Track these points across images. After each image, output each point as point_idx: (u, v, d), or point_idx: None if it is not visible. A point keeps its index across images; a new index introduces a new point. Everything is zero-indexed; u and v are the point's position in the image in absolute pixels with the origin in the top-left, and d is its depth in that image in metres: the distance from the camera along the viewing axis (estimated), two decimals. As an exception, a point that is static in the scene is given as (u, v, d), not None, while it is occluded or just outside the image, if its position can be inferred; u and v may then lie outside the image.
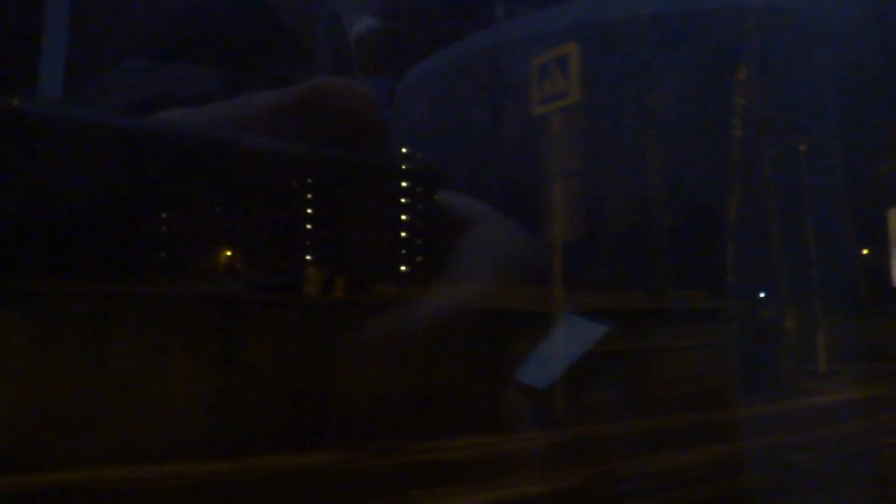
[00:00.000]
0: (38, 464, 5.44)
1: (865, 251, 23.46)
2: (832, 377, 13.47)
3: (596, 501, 5.49)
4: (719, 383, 9.54)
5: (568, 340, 7.76)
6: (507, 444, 7.00)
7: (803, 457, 6.64)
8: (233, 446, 6.30)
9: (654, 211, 11.27)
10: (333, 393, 6.84)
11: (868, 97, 17.24)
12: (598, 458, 6.59)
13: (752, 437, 7.50)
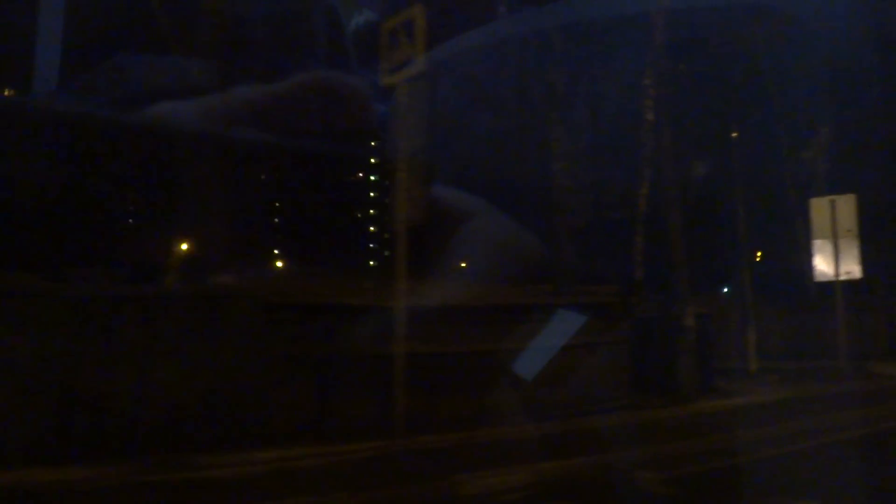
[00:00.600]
0: None
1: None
2: (761, 376, 12.36)
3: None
4: (607, 386, 8.46)
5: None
6: (314, 457, 5.92)
7: (649, 475, 5.54)
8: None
9: (560, 200, 10.20)
10: (112, 398, 5.75)
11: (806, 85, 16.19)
12: (410, 477, 5.52)
13: (610, 450, 6.41)
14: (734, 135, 13.27)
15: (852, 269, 10.31)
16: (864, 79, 18.73)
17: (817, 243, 10.55)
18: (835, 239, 10.35)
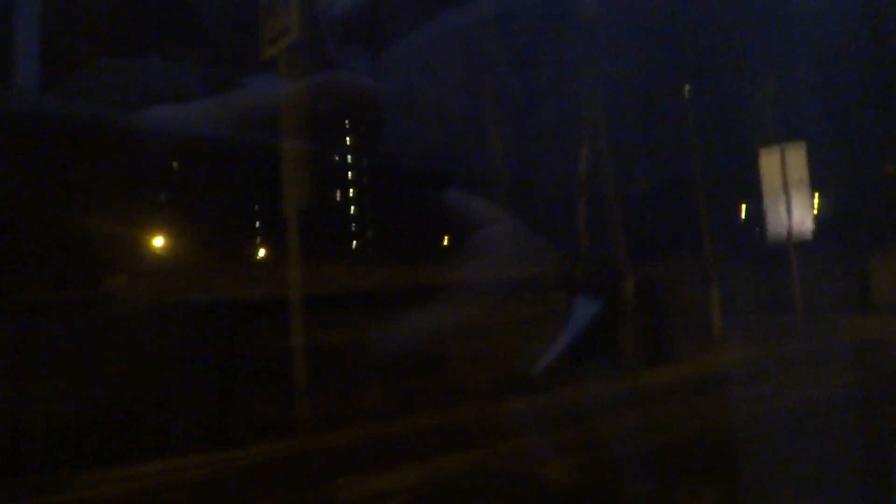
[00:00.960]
0: None
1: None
2: (725, 337, 11.84)
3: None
4: (540, 363, 7.91)
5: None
6: (207, 465, 5.40)
7: (560, 462, 5.03)
8: None
9: (494, 166, 9.60)
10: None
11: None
12: (294, 482, 5.00)
13: (529, 434, 5.88)
14: (687, 88, 12.59)
15: (805, 223, 9.70)
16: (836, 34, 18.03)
17: (769, 197, 9.93)
18: (786, 190, 9.72)
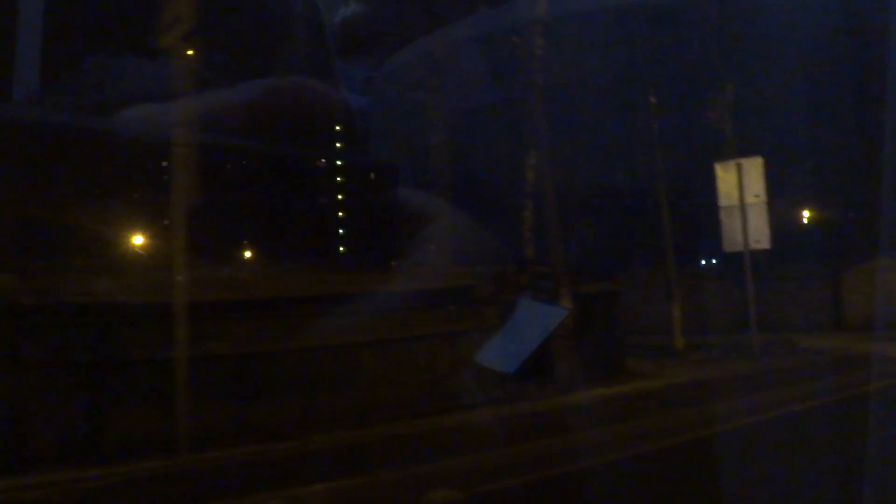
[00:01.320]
0: None
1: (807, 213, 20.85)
2: (685, 355, 11.26)
3: None
4: (471, 379, 7.35)
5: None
6: (51, 486, 4.84)
7: (442, 494, 4.46)
8: None
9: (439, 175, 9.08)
10: None
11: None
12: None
13: (419, 460, 5.30)
14: (652, 100, 12.06)
15: (761, 238, 9.12)
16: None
17: (724, 210, 9.36)
18: (742, 205, 9.15)
